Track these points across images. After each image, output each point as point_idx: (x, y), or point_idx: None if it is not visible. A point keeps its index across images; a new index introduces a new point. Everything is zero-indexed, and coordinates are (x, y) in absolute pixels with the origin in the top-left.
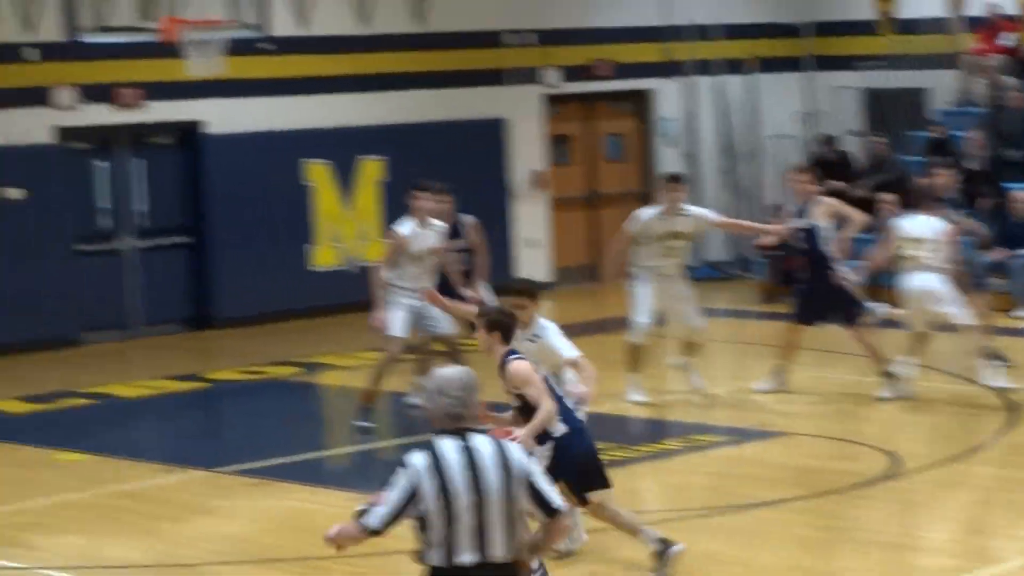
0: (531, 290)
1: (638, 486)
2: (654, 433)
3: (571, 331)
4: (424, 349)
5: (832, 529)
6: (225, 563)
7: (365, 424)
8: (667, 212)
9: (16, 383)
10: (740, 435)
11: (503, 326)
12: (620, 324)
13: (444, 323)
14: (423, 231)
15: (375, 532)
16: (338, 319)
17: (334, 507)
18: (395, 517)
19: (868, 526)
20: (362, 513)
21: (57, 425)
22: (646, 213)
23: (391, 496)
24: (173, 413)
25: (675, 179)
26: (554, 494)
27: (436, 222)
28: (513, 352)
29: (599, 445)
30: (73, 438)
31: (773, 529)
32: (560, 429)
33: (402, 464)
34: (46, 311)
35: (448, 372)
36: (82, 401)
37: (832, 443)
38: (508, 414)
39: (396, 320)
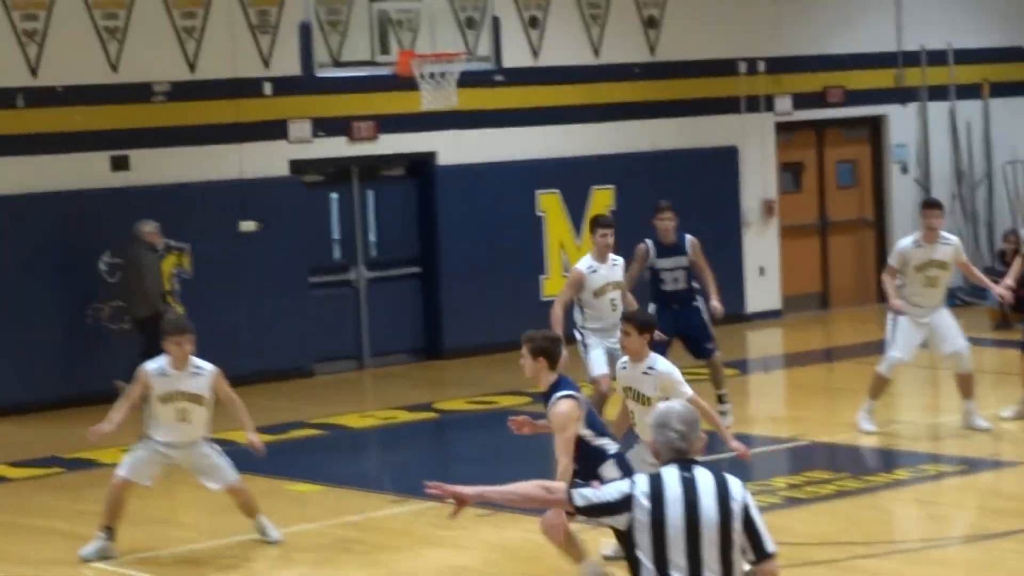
0: (641, 320)
1: (868, 516)
2: (885, 463)
3: (800, 359)
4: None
5: None
6: None
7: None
8: (925, 239)
9: (251, 414)
10: (972, 465)
11: (549, 352)
12: (849, 352)
13: None
14: (602, 266)
15: (578, 508)
16: (570, 349)
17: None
18: (598, 508)
19: None
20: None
21: (288, 456)
22: (903, 243)
23: (606, 490)
24: (403, 443)
25: (932, 205)
26: (769, 537)
27: (615, 257)
28: (562, 384)
29: (829, 475)
30: (304, 469)
31: (1002, 561)
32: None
33: (629, 478)
34: (280, 342)
35: (669, 406)
36: (313, 432)
37: None
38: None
39: (595, 360)
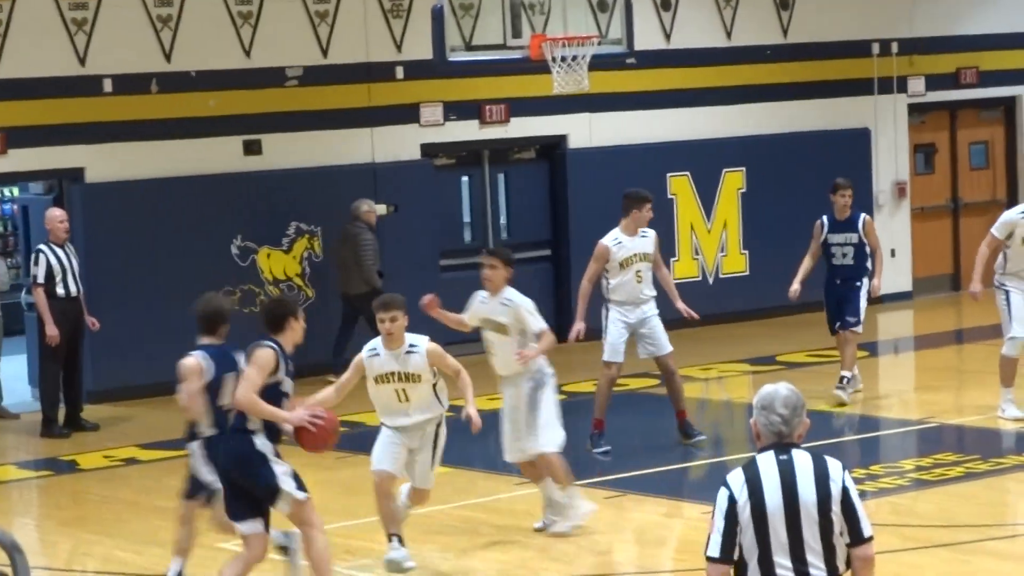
0: (505, 256)
1: (996, 499)
2: (1015, 445)
3: (930, 341)
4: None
5: None
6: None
7: (601, 450)
8: None
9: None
10: None
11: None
12: (981, 334)
13: (663, 342)
14: (631, 239)
15: (716, 560)
16: (696, 332)
17: (689, 519)
18: (728, 539)
19: None
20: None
21: None
22: (1011, 215)
23: (716, 521)
24: None
25: None
26: (867, 520)
27: (645, 230)
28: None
29: (958, 457)
30: None
31: None
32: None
33: (722, 483)
34: (411, 325)
35: (775, 389)
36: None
37: None
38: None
39: (614, 343)
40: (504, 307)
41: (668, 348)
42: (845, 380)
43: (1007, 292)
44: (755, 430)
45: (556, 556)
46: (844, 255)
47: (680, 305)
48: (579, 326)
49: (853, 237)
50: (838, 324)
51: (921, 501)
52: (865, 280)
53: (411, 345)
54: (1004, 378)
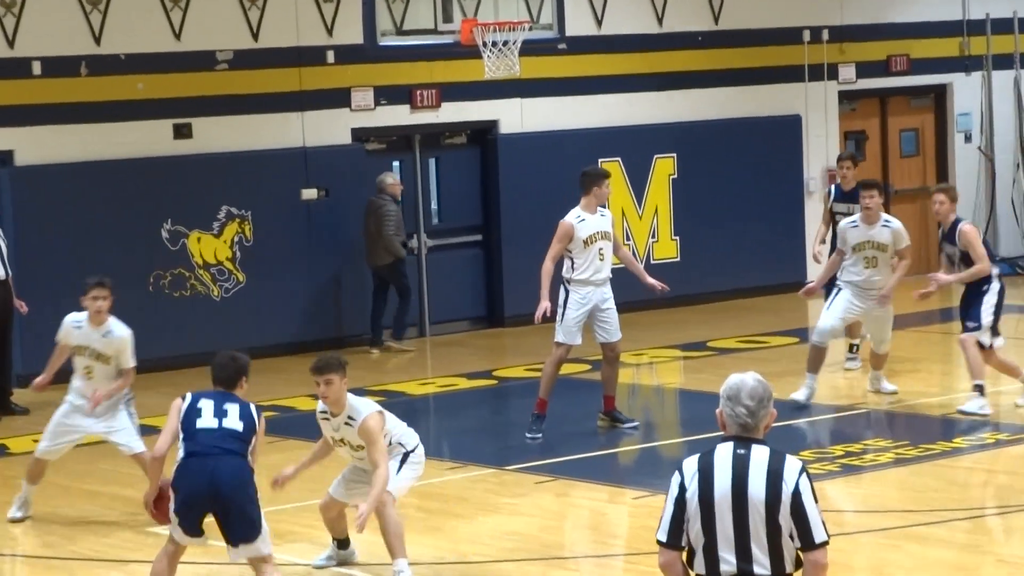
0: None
1: (926, 484)
2: (945, 432)
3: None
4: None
5: None
6: (509, 560)
7: (532, 436)
8: (864, 221)
9: (310, 381)
10: None
11: None
12: (909, 321)
13: (616, 328)
14: (592, 216)
15: (664, 544)
16: (630, 317)
17: (620, 504)
18: (676, 525)
19: None
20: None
21: None
22: (842, 224)
23: (666, 505)
24: (462, 411)
25: (866, 185)
26: (821, 526)
27: (605, 210)
28: None
29: (888, 443)
30: None
31: None
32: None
33: (677, 468)
34: (341, 310)
35: (741, 380)
36: (373, 399)
37: None
38: None
39: (569, 326)
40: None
41: (619, 335)
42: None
43: (839, 288)
44: (720, 420)
45: (487, 541)
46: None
47: (650, 281)
48: (545, 304)
49: (856, 208)
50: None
51: (851, 487)
52: None
53: (349, 417)
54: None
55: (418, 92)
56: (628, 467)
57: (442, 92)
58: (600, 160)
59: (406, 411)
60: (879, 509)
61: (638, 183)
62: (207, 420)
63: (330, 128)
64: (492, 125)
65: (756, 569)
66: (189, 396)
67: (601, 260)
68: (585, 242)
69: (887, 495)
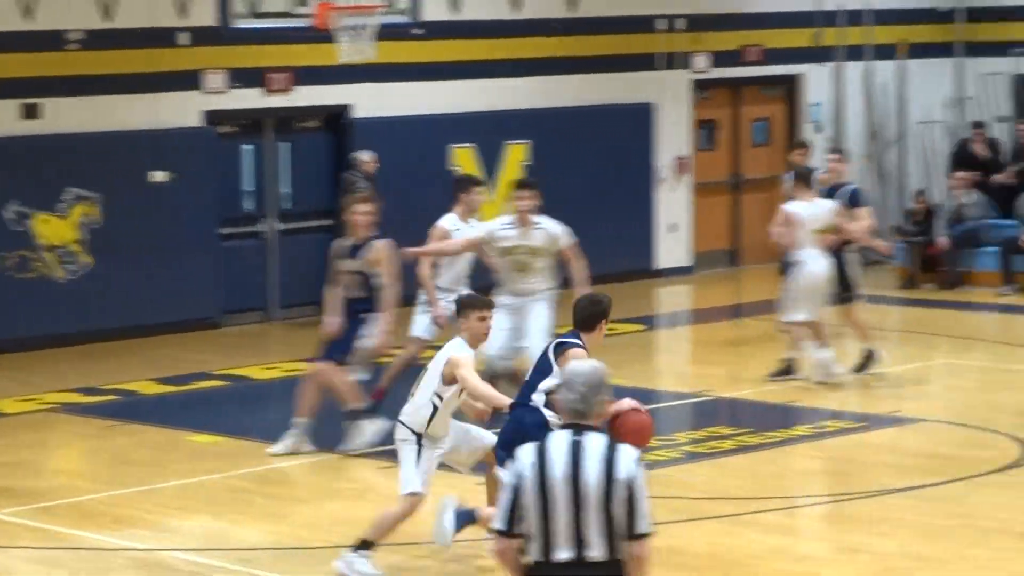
0: None
1: (767, 471)
2: (787, 419)
3: (708, 315)
4: None
5: (958, 516)
6: (349, 546)
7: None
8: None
9: (155, 365)
10: (872, 422)
11: None
12: (758, 309)
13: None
14: (465, 225)
15: (501, 532)
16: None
17: (463, 491)
18: (513, 513)
19: (996, 514)
20: None
21: (192, 407)
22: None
23: (503, 493)
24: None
25: (521, 185)
26: (647, 517)
27: (477, 220)
28: None
29: (731, 430)
30: (207, 420)
31: (899, 516)
32: None
33: (515, 457)
34: (189, 293)
35: (578, 367)
36: (217, 383)
37: (965, 430)
38: None
39: (422, 322)
40: None
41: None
42: None
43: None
44: (557, 406)
45: (327, 527)
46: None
47: None
48: (440, 312)
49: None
50: None
51: (693, 474)
52: None
53: None
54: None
55: (271, 75)
56: None
57: (296, 76)
58: (453, 146)
59: (249, 396)
60: (720, 496)
61: (491, 169)
62: None
63: (182, 110)
64: (346, 109)
65: (591, 554)
66: None
67: (464, 273)
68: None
69: (728, 482)
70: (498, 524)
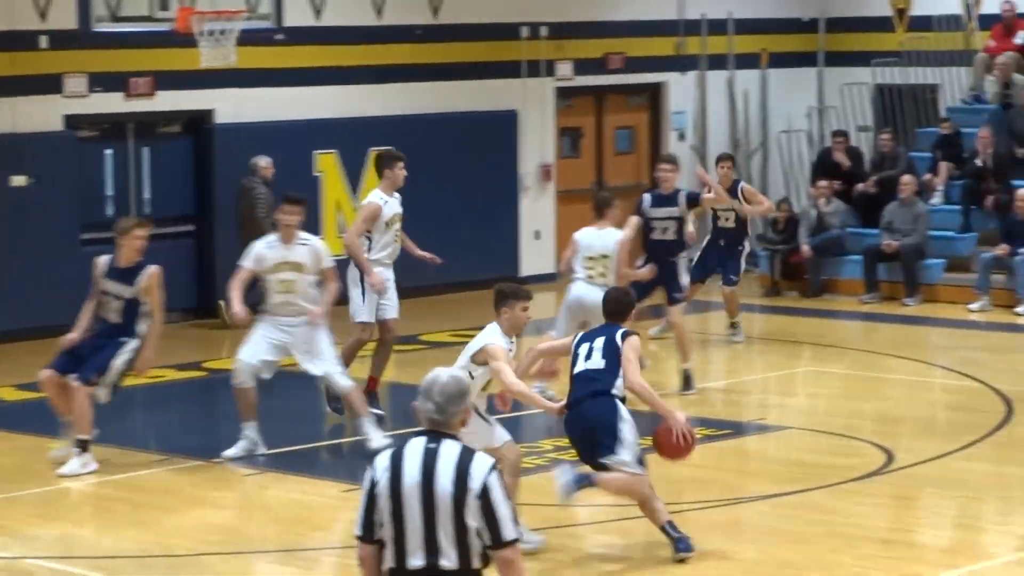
0: None
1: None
2: (651, 426)
3: None
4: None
5: (823, 524)
6: (214, 553)
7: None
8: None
9: (16, 371)
10: (736, 429)
11: None
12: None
13: (395, 306)
14: (391, 200)
15: (360, 538)
16: (342, 309)
17: (327, 498)
18: (369, 519)
19: (860, 521)
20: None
21: (52, 414)
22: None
23: (361, 500)
24: (172, 403)
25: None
26: (510, 524)
27: (397, 194)
28: None
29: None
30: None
31: (763, 523)
32: None
33: (370, 463)
34: (50, 298)
35: (435, 376)
36: None
37: (829, 438)
38: None
39: (368, 304)
40: None
41: (397, 314)
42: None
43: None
44: (415, 413)
45: (192, 534)
46: (727, 219)
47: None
48: (375, 279)
49: (735, 203)
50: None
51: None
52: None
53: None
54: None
55: (132, 80)
56: (336, 461)
57: (157, 80)
58: (316, 152)
59: (112, 403)
60: (586, 503)
61: (354, 175)
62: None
63: (42, 114)
64: (208, 115)
65: (443, 563)
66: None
67: (396, 242)
68: (387, 224)
69: (592, 490)
70: (357, 530)
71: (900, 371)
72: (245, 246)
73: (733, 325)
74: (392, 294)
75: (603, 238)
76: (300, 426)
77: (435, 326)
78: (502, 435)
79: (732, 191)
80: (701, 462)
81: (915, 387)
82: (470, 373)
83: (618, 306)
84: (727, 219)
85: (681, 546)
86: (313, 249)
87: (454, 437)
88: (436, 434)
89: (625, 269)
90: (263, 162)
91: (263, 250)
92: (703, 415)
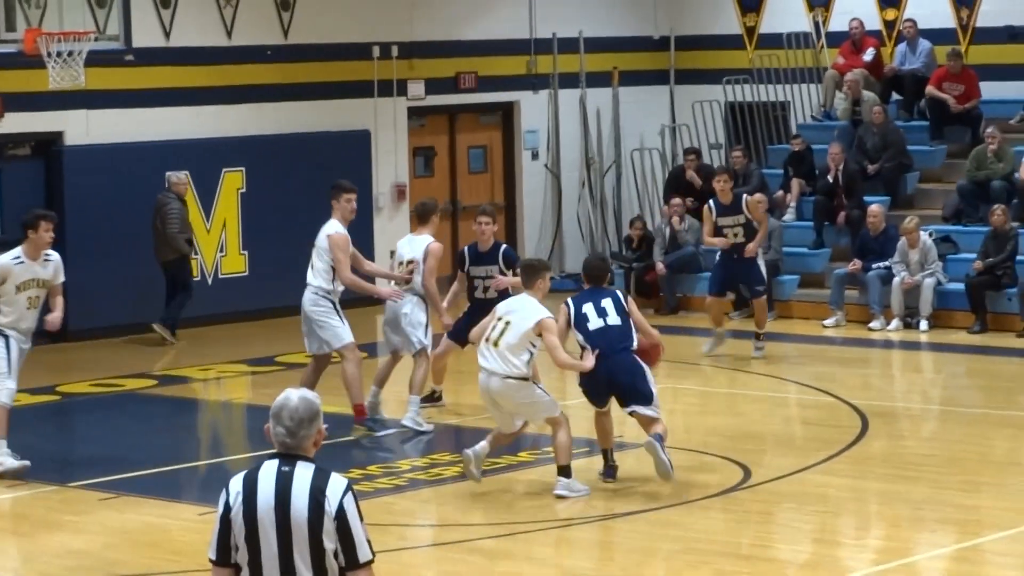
0: None
1: (489, 497)
2: (511, 445)
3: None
4: None
5: (682, 540)
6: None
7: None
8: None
9: None
10: (595, 447)
11: None
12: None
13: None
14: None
15: (214, 562)
16: (197, 331)
17: (184, 521)
18: (223, 542)
19: (719, 538)
20: None
21: None
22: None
23: (216, 523)
24: (25, 427)
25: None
26: (366, 544)
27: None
28: None
29: (455, 457)
30: None
31: (622, 540)
32: None
33: (224, 486)
34: None
35: (286, 398)
36: None
37: (686, 454)
38: None
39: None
40: None
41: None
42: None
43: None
44: (268, 436)
45: (48, 559)
46: (736, 235)
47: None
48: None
49: (740, 218)
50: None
51: (417, 501)
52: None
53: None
54: None
55: None
56: (193, 483)
57: (5, 102)
58: (168, 172)
59: None
60: (445, 522)
61: (207, 197)
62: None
63: None
64: (57, 136)
65: None
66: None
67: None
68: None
69: (452, 509)
70: (211, 554)
71: (756, 387)
72: (160, 262)
73: (758, 337)
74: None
75: (414, 244)
76: (156, 447)
77: (291, 347)
78: (526, 420)
79: (735, 205)
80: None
81: (771, 403)
82: (532, 344)
83: (602, 271)
84: (736, 234)
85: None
86: (56, 265)
87: (307, 459)
88: (289, 456)
89: (442, 306)
90: (175, 178)
91: (12, 266)
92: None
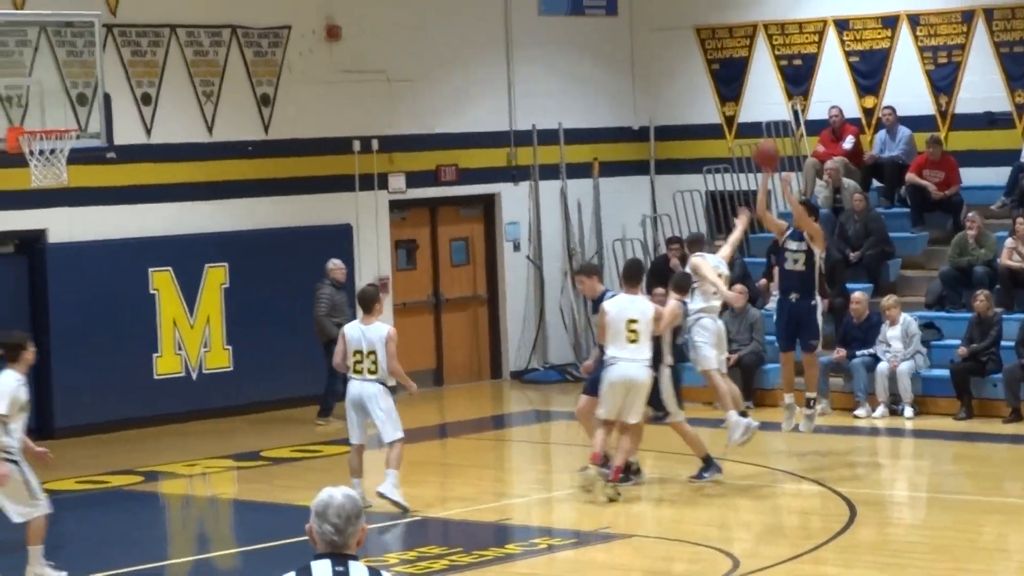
0: None
1: None
2: (498, 538)
3: (413, 435)
4: None
5: None
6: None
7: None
8: None
9: None
10: (582, 538)
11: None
12: (462, 428)
13: None
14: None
15: None
16: (182, 426)
17: None
18: None
19: None
20: None
21: None
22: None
23: None
24: (10, 525)
25: None
26: None
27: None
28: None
29: (442, 550)
30: None
31: None
32: None
33: None
34: None
35: (330, 497)
36: None
37: (675, 545)
38: None
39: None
40: None
41: None
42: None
43: None
44: (310, 536)
45: None
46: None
47: None
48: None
49: (803, 244)
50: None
51: None
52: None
53: None
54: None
55: None
56: None
57: None
58: (151, 269)
59: None
60: None
61: (190, 292)
62: None
63: None
64: (40, 234)
65: None
66: None
67: None
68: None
69: None
70: None
71: (744, 476)
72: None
73: (808, 404)
74: None
75: (369, 333)
76: (145, 544)
77: (276, 442)
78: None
79: (797, 234)
80: (548, 571)
81: (759, 492)
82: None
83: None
84: (796, 260)
85: None
86: None
87: (355, 557)
88: (339, 556)
89: (411, 383)
90: (331, 265)
91: (21, 387)
92: (549, 524)
